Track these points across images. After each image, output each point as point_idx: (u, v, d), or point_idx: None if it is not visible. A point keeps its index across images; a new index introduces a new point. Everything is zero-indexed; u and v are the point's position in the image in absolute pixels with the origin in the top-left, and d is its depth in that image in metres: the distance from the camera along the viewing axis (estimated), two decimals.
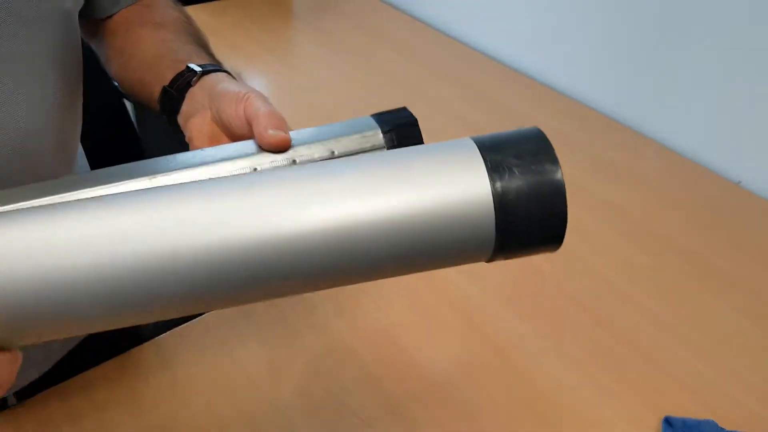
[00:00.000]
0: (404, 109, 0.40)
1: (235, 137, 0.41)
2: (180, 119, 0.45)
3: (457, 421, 0.55)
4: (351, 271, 0.21)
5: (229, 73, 0.46)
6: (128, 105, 1.03)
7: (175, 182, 0.33)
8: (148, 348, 0.59)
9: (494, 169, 0.20)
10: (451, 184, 0.20)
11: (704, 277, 0.71)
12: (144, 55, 0.51)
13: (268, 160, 0.36)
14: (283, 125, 0.37)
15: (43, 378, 0.55)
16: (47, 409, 0.53)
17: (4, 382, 0.22)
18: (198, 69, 0.45)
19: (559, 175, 0.22)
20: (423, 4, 1.30)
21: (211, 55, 0.51)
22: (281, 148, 0.36)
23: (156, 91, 0.48)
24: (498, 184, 0.21)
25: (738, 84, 0.85)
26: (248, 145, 0.37)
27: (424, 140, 0.40)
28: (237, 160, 0.35)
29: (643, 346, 0.62)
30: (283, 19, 1.31)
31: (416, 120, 0.39)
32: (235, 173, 0.34)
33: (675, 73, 0.92)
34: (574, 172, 0.87)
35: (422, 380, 0.58)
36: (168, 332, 0.61)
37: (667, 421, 0.55)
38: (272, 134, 0.35)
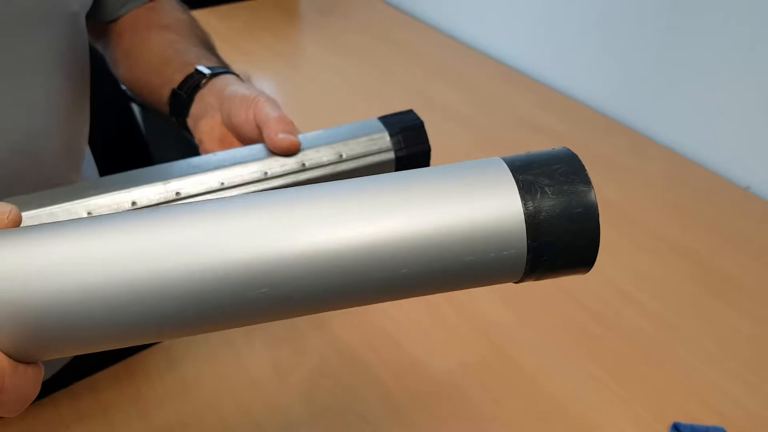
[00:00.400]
0: (411, 111, 0.41)
1: (244, 140, 0.42)
2: (189, 121, 0.46)
3: (461, 425, 0.54)
4: (385, 290, 0.21)
5: (237, 76, 0.47)
6: (135, 107, 1.03)
7: (190, 186, 0.35)
8: (155, 351, 0.59)
9: (526, 189, 0.20)
10: (483, 203, 0.20)
11: (713, 282, 0.71)
12: (151, 57, 0.52)
13: (278, 163, 0.37)
14: (292, 129, 0.38)
15: (53, 380, 0.56)
16: (57, 410, 0.54)
17: (30, 393, 0.22)
18: (207, 71, 0.45)
19: (592, 196, 0.22)
20: (430, 8, 1.31)
21: (217, 57, 0.52)
22: (291, 151, 0.37)
23: (164, 94, 0.48)
24: (530, 204, 0.20)
25: (748, 87, 0.84)
26: (258, 149, 0.38)
27: (431, 144, 0.41)
28: (248, 164, 0.37)
29: (651, 352, 0.62)
30: (290, 22, 1.32)
31: (422, 123, 0.40)
32: (247, 177, 0.36)
33: (683, 77, 0.91)
34: None
35: (427, 383, 0.58)
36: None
37: (676, 428, 0.54)
38: (282, 138, 0.37)
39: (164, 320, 0.21)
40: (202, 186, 0.36)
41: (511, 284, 0.75)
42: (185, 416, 0.54)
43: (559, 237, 0.21)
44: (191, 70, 0.47)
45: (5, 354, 0.20)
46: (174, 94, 0.47)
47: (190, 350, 0.59)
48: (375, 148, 0.39)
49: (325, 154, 0.38)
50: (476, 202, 0.20)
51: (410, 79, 1.09)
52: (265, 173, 0.37)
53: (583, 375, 0.59)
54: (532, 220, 0.20)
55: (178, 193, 0.35)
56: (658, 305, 0.67)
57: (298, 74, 1.13)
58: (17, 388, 0.21)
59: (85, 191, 0.33)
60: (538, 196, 0.20)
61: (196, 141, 0.45)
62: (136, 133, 1.02)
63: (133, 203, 0.34)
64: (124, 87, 0.99)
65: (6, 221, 0.22)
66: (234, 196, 0.30)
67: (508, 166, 0.21)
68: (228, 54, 0.99)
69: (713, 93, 0.88)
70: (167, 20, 0.56)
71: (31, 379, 0.22)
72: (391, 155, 0.39)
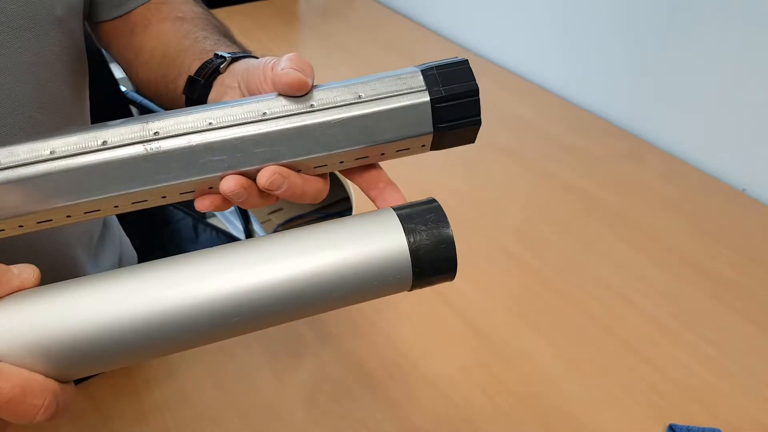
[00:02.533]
0: (455, 57, 0.34)
1: None
2: None
3: (459, 427, 0.55)
4: (320, 307, 0.30)
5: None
6: (134, 110, 1.03)
7: (171, 126, 0.31)
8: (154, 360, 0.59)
9: (409, 233, 0.31)
10: (384, 242, 0.31)
11: (710, 284, 0.71)
12: (166, 49, 0.48)
13: (281, 104, 0.32)
14: (305, 68, 0.32)
15: None
16: (54, 419, 0.54)
17: (65, 407, 0.28)
18: (227, 55, 0.41)
19: (449, 233, 0.31)
20: (429, 11, 1.31)
21: (238, 44, 0.48)
22: (296, 88, 0.32)
23: (180, 84, 0.44)
24: (412, 242, 0.30)
25: (743, 91, 0.85)
26: (269, 94, 0.33)
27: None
28: (247, 104, 0.32)
29: (648, 354, 0.62)
30: (289, 25, 1.32)
31: (466, 60, 0.34)
32: (240, 117, 0.31)
33: (679, 80, 0.92)
34: (576, 179, 0.87)
35: (427, 387, 0.58)
36: None
37: (672, 429, 0.55)
38: (286, 71, 0.31)
39: (158, 345, 0.28)
40: (187, 126, 0.31)
41: (514, 289, 0.75)
42: (185, 424, 0.54)
43: (432, 261, 0.31)
44: (210, 56, 0.43)
45: (53, 378, 0.27)
46: (191, 80, 0.42)
47: (188, 358, 0.60)
48: (404, 87, 0.32)
49: (339, 94, 0.32)
50: (378, 243, 0.30)
51: None
52: (264, 114, 0.31)
53: (581, 377, 0.60)
54: (414, 252, 0.31)
55: (156, 133, 0.30)
56: (655, 307, 0.68)
57: None
58: (64, 403, 0.28)
59: (52, 135, 0.30)
60: (417, 237, 0.31)
61: None
62: None
63: (103, 142, 0.30)
64: (123, 89, 0.99)
65: (33, 279, 0.28)
66: (202, 252, 0.30)
67: (398, 218, 0.31)
68: None
69: (710, 97, 0.89)
70: (180, 12, 0.52)
71: (70, 394, 0.29)
72: (424, 97, 0.32)
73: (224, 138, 0.31)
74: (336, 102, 0.32)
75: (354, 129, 0.32)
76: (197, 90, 0.41)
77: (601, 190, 0.85)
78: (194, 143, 0.30)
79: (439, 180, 0.86)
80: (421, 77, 0.32)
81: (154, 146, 0.30)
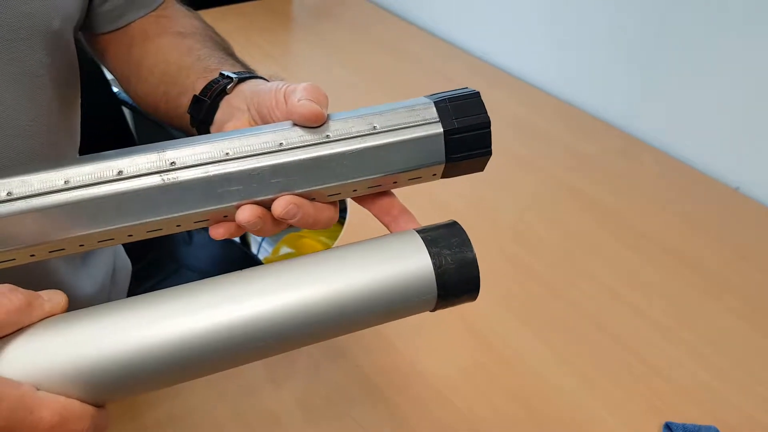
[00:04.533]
0: (465, 88, 0.35)
1: None
2: (213, 129, 0.41)
3: (457, 428, 0.55)
4: (348, 327, 0.32)
5: (266, 80, 0.42)
6: (127, 114, 1.03)
7: (188, 156, 0.30)
8: None
9: (434, 257, 0.31)
10: (410, 265, 0.31)
11: (704, 282, 0.71)
12: (167, 65, 0.47)
13: (297, 134, 0.31)
14: (320, 99, 0.33)
15: None
16: None
17: (106, 427, 0.30)
18: (234, 76, 0.41)
19: (473, 256, 0.32)
20: (422, 11, 1.31)
21: (242, 62, 0.47)
22: (312, 120, 0.32)
23: (183, 103, 0.43)
24: (437, 264, 0.31)
25: (736, 89, 0.85)
26: (281, 123, 0.33)
27: None
28: (263, 134, 0.31)
29: (644, 352, 0.62)
30: (282, 25, 1.32)
31: (478, 92, 0.34)
32: (258, 148, 0.31)
33: (673, 79, 0.92)
34: (572, 178, 0.87)
35: (423, 387, 0.58)
36: None
37: (668, 427, 0.55)
38: (303, 103, 0.32)
39: (190, 369, 0.29)
40: (204, 156, 0.30)
41: (509, 288, 0.75)
42: (181, 426, 0.54)
43: (455, 284, 0.32)
44: (215, 75, 0.42)
45: (89, 403, 0.28)
46: (196, 100, 0.41)
47: None
48: (418, 119, 0.32)
49: (355, 125, 0.32)
50: (404, 266, 0.31)
51: (403, 82, 1.10)
52: (281, 144, 0.31)
53: (577, 376, 0.60)
54: (439, 275, 0.32)
55: (173, 163, 0.30)
56: (649, 306, 0.68)
57: (291, 77, 1.12)
58: (101, 427, 0.29)
59: (67, 163, 0.30)
60: (442, 260, 0.32)
61: None
62: (127, 138, 1.01)
63: (119, 172, 0.29)
64: (116, 90, 0.99)
65: (63, 305, 0.29)
66: (225, 279, 0.30)
67: (423, 242, 0.32)
68: None
69: (703, 96, 0.89)
70: (181, 27, 0.51)
71: (106, 417, 0.30)
72: (438, 128, 0.32)
73: (241, 169, 0.30)
74: (351, 133, 0.32)
75: (369, 159, 0.32)
76: (203, 110, 0.41)
77: (596, 189, 0.85)
78: (211, 174, 0.30)
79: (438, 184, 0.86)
80: (434, 109, 0.33)
81: (171, 177, 0.30)
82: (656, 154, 0.94)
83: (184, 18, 0.53)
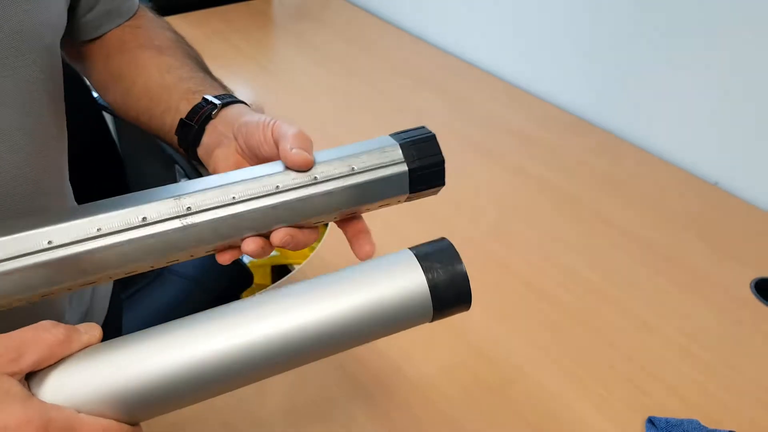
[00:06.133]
0: (422, 127, 0.41)
1: (262, 162, 0.41)
2: (200, 151, 0.45)
3: (441, 429, 0.55)
4: (349, 344, 0.35)
5: (246, 104, 0.47)
6: (108, 118, 1.02)
7: (201, 201, 0.36)
8: None
9: (427, 271, 0.35)
10: (405, 281, 0.35)
11: (684, 277, 0.72)
12: (149, 83, 0.50)
13: (290, 177, 0.37)
14: (308, 146, 0.38)
15: None
16: None
17: None
18: (217, 102, 0.45)
19: (463, 269, 0.36)
20: (403, 13, 1.31)
21: (219, 82, 0.51)
22: (304, 167, 0.37)
23: (168, 122, 0.47)
24: (430, 278, 0.35)
25: (714, 86, 0.86)
26: (273, 165, 0.39)
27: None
28: (260, 179, 0.37)
29: (626, 348, 0.63)
30: (263, 28, 1.31)
31: (434, 135, 0.40)
32: (258, 191, 0.37)
33: (651, 75, 0.93)
34: (548, 175, 0.88)
35: (407, 387, 0.58)
36: None
37: (651, 422, 0.55)
38: (296, 153, 0.37)
39: (212, 388, 0.33)
40: (214, 200, 0.36)
41: (492, 289, 0.75)
42: (164, 430, 0.54)
43: (448, 294, 0.35)
44: (198, 99, 0.46)
45: (125, 423, 0.31)
46: (183, 124, 0.46)
47: None
48: (387, 160, 0.39)
49: (337, 168, 0.38)
50: (400, 282, 0.35)
51: (384, 83, 1.10)
52: (277, 187, 0.37)
53: (560, 372, 0.60)
54: (432, 288, 0.35)
55: (189, 208, 0.35)
56: (632, 302, 0.68)
57: (273, 79, 1.12)
58: None
59: (92, 210, 0.34)
60: (434, 274, 0.35)
61: (211, 171, 0.45)
62: (108, 144, 1.00)
63: (144, 218, 0.35)
64: (96, 95, 0.98)
65: (98, 336, 0.32)
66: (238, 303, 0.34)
67: (416, 257, 0.35)
68: None
69: (682, 92, 0.90)
70: (159, 41, 0.54)
71: None
72: (403, 167, 0.39)
73: (246, 209, 0.37)
74: (334, 174, 0.38)
75: (350, 195, 0.39)
76: (191, 134, 0.45)
77: (573, 185, 0.86)
78: (222, 215, 0.36)
79: None
80: (400, 151, 0.39)
81: (189, 220, 0.35)
82: (633, 150, 0.95)
83: (158, 30, 0.55)
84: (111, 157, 1.00)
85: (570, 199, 0.84)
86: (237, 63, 1.15)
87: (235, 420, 0.55)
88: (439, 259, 0.35)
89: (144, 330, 0.33)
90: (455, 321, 0.65)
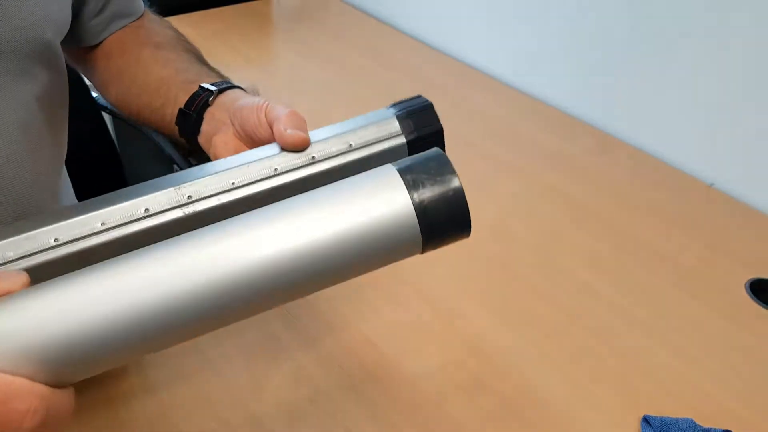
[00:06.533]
0: (419, 96, 0.41)
1: (259, 145, 0.41)
2: (201, 139, 0.46)
3: (438, 426, 0.55)
4: (326, 278, 0.29)
5: (242, 89, 0.47)
6: (107, 118, 1.02)
7: (201, 189, 0.35)
8: (131, 375, 0.58)
9: (411, 186, 0.28)
10: (385, 200, 0.28)
11: (679, 277, 0.72)
12: (148, 77, 0.51)
13: (287, 159, 0.37)
14: (302, 125, 0.38)
15: None
16: (48, 426, 0.53)
17: (67, 412, 0.28)
18: (213, 88, 0.45)
19: (457, 181, 0.29)
20: (404, 15, 1.32)
21: (216, 71, 0.52)
22: (300, 146, 0.37)
23: (168, 113, 0.48)
24: (415, 196, 0.28)
25: (710, 87, 0.87)
26: (269, 147, 0.38)
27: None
28: (257, 162, 0.37)
29: (621, 347, 0.63)
30: (263, 29, 1.32)
31: (431, 104, 0.39)
32: (256, 175, 0.36)
33: (647, 76, 0.93)
34: (547, 176, 0.88)
35: (405, 386, 0.58)
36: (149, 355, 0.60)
37: (646, 420, 0.56)
38: (291, 133, 0.37)
39: (151, 337, 0.27)
40: (214, 187, 0.36)
41: (488, 286, 0.75)
42: (158, 424, 0.54)
43: (441, 215, 0.29)
44: (195, 88, 0.46)
45: (41, 382, 0.27)
46: (182, 113, 0.46)
47: (165, 364, 0.59)
48: (385, 134, 0.38)
49: (334, 145, 0.37)
50: (378, 202, 0.28)
51: (385, 86, 1.10)
52: (275, 169, 0.37)
53: (555, 371, 0.61)
54: (419, 206, 0.28)
55: (190, 197, 0.35)
56: (627, 301, 0.69)
57: (272, 80, 1.13)
58: (56, 408, 0.27)
59: (95, 205, 0.34)
60: (420, 188, 0.28)
61: (212, 157, 0.45)
62: (107, 142, 1.01)
63: (146, 210, 0.34)
64: (95, 95, 0.98)
65: (21, 284, 0.28)
66: (189, 233, 0.30)
67: (397, 170, 0.29)
68: None
69: (678, 92, 0.91)
70: (158, 38, 0.54)
71: (66, 399, 0.28)
72: (402, 140, 0.38)
73: (245, 194, 0.36)
74: (332, 152, 0.37)
75: (349, 172, 0.37)
76: (190, 123, 0.46)
77: (572, 186, 0.86)
78: (223, 201, 0.36)
79: None
80: (397, 123, 0.38)
81: (191, 209, 0.35)
82: (631, 151, 0.96)
83: (158, 28, 0.56)
84: (109, 156, 1.01)
85: (567, 199, 0.84)
86: (236, 64, 1.15)
87: (230, 415, 0.55)
88: (427, 171, 0.29)
89: (70, 274, 0.28)
90: (455, 321, 0.66)
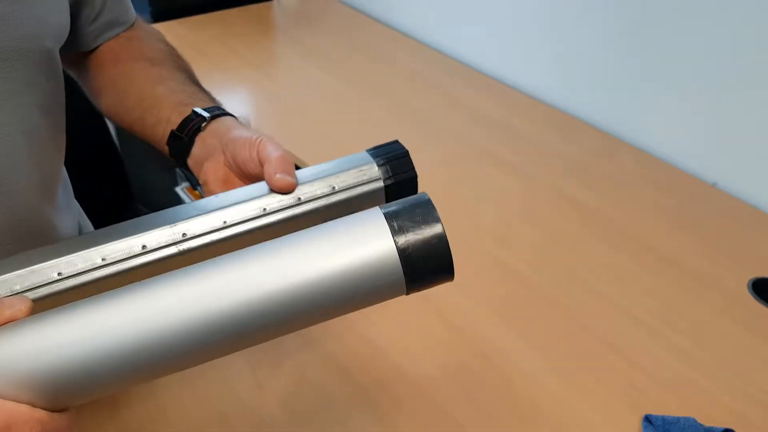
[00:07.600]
0: (396, 142, 0.43)
1: (248, 177, 0.44)
2: (191, 162, 0.47)
3: (441, 428, 0.55)
4: (312, 316, 0.30)
5: (234, 117, 0.49)
6: (109, 124, 1.03)
7: (195, 227, 0.38)
8: None
9: (396, 232, 0.29)
10: (369, 243, 0.29)
11: (681, 277, 0.72)
12: (141, 93, 0.52)
13: (276, 200, 0.40)
14: (290, 169, 0.40)
15: None
16: None
17: None
18: (206, 114, 0.47)
19: (439, 228, 0.29)
20: (405, 17, 1.32)
21: (208, 94, 0.53)
22: (287, 191, 0.40)
23: (159, 132, 0.49)
24: (400, 242, 0.29)
25: (713, 88, 0.87)
26: (258, 187, 0.41)
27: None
28: (248, 202, 0.40)
29: (623, 347, 0.63)
30: (264, 32, 1.32)
31: (407, 152, 0.43)
32: (247, 214, 0.39)
33: (651, 78, 0.93)
34: (553, 179, 0.88)
35: (408, 388, 0.58)
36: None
37: (648, 420, 0.56)
38: (279, 178, 0.39)
39: (146, 367, 0.29)
40: (207, 226, 0.38)
41: (491, 288, 0.75)
42: (159, 423, 0.54)
43: (424, 260, 0.30)
44: (188, 111, 0.48)
45: (41, 407, 0.28)
46: (174, 136, 0.48)
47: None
48: (365, 178, 0.41)
49: (318, 188, 0.41)
50: (362, 244, 0.29)
51: (386, 87, 1.10)
52: (264, 209, 0.39)
53: (558, 371, 0.61)
54: (403, 253, 0.29)
55: (184, 234, 0.38)
56: (629, 301, 0.69)
57: (273, 83, 1.13)
58: (58, 430, 0.28)
59: (96, 240, 0.36)
60: (405, 234, 0.29)
61: (201, 182, 0.47)
62: (110, 149, 1.01)
63: (143, 246, 0.36)
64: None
65: (24, 311, 0.29)
66: (184, 269, 0.31)
67: (384, 217, 0.30)
68: (201, 64, 0.98)
69: (681, 94, 0.91)
70: (151, 53, 0.56)
71: (66, 422, 0.29)
72: (380, 184, 0.41)
73: (236, 232, 0.39)
74: (317, 194, 0.40)
75: (331, 212, 0.40)
76: (181, 146, 0.48)
77: (577, 189, 0.86)
78: (215, 239, 0.39)
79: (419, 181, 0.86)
80: (377, 168, 0.41)
81: (185, 245, 0.38)
82: (634, 151, 0.96)
83: (151, 41, 0.57)
84: (112, 159, 1.01)
85: (572, 201, 0.84)
86: (237, 68, 1.15)
87: (234, 416, 0.55)
88: (411, 216, 0.30)
89: (73, 303, 0.30)
90: (457, 322, 0.66)
